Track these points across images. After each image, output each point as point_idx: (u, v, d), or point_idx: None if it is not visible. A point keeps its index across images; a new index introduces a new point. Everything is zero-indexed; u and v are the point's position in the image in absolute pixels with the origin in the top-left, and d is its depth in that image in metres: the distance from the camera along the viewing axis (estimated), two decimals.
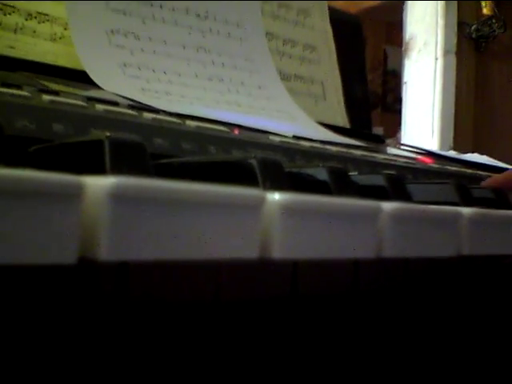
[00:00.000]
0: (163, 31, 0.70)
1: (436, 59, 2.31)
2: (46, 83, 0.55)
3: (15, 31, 0.65)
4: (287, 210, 0.21)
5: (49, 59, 0.66)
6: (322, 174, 0.33)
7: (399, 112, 2.42)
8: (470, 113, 2.44)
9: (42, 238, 0.14)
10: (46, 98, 0.43)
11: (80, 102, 0.45)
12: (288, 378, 0.36)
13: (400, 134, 2.35)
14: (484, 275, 0.44)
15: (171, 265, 0.17)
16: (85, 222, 0.15)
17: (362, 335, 0.39)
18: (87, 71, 0.61)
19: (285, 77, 0.84)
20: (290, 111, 0.76)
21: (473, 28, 2.40)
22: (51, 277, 0.21)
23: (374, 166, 0.58)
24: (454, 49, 2.34)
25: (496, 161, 0.99)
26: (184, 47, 0.71)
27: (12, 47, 0.64)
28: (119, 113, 0.46)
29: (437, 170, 0.68)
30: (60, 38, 0.68)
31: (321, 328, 0.35)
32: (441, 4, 2.31)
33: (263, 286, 0.30)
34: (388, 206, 0.25)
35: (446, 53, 2.31)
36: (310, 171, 0.35)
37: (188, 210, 0.18)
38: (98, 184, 0.16)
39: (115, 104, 0.50)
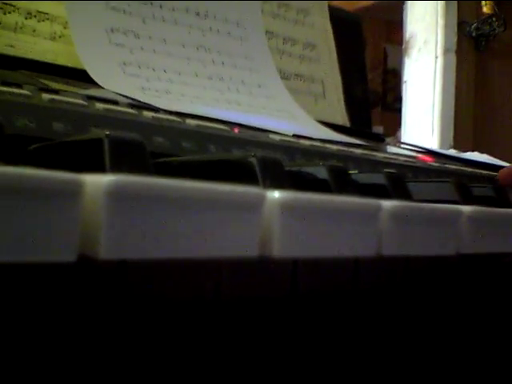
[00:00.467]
0: (163, 30, 0.70)
1: (436, 58, 2.31)
2: (45, 82, 0.55)
3: (15, 30, 0.65)
4: (287, 208, 0.21)
5: (49, 58, 0.66)
6: (322, 172, 0.33)
7: (399, 111, 2.42)
8: (469, 111, 2.44)
9: (41, 236, 0.14)
10: (46, 96, 0.43)
11: (80, 101, 0.45)
12: (288, 376, 0.36)
13: (400, 132, 2.35)
14: (484, 274, 0.44)
15: (171, 262, 0.17)
16: (84, 220, 0.15)
17: (361, 333, 0.39)
18: (87, 70, 0.61)
19: (285, 75, 0.84)
20: (290, 110, 0.76)
21: (473, 27, 2.40)
22: (51, 274, 0.21)
23: (374, 165, 0.58)
24: (454, 47, 2.33)
25: (496, 159, 0.99)
26: (184, 46, 0.71)
27: (12, 46, 0.64)
28: (119, 111, 0.46)
29: (437, 169, 0.68)
30: (60, 37, 0.68)
31: (320, 326, 0.35)
32: (441, 3, 2.31)
33: (263, 284, 0.30)
34: (388, 204, 0.25)
35: (446, 51, 2.31)
36: (310, 170, 0.35)
37: (188, 208, 0.18)
38: (97, 182, 0.16)
39: (115, 103, 0.50)
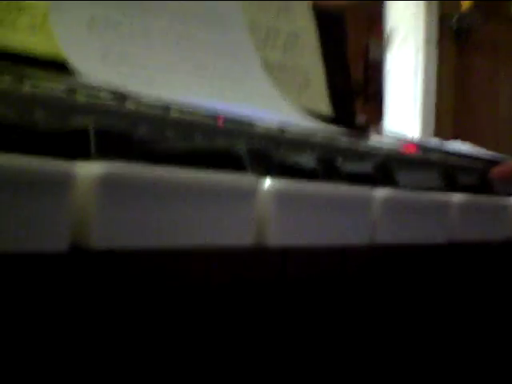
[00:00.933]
0: (145, 19, 0.69)
1: (417, 50, 2.32)
2: (26, 73, 0.54)
3: None
4: (281, 196, 0.20)
5: (29, 49, 0.65)
6: (309, 161, 0.33)
7: (381, 101, 2.43)
8: (450, 102, 2.46)
9: (33, 226, 0.14)
10: (28, 86, 0.42)
11: (61, 91, 0.44)
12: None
13: (383, 122, 2.36)
14: (473, 259, 0.45)
15: (162, 250, 0.17)
16: (75, 210, 0.15)
17: (348, 319, 0.39)
18: (68, 60, 0.60)
19: (268, 66, 0.83)
20: (274, 100, 0.75)
21: (454, 20, 2.41)
22: (42, 264, 0.21)
23: (360, 155, 0.57)
24: (435, 40, 2.35)
25: (477, 148, 1.00)
26: (166, 35, 0.70)
27: None
28: (101, 101, 0.45)
29: (421, 158, 0.68)
30: (40, 29, 0.67)
31: (307, 310, 0.35)
32: None
33: (253, 269, 0.29)
34: (381, 192, 0.25)
35: (427, 44, 2.32)
36: (297, 159, 0.35)
37: (181, 196, 0.17)
38: (88, 170, 0.15)
39: (97, 92, 0.50)
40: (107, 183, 0.15)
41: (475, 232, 0.31)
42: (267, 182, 0.21)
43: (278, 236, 0.20)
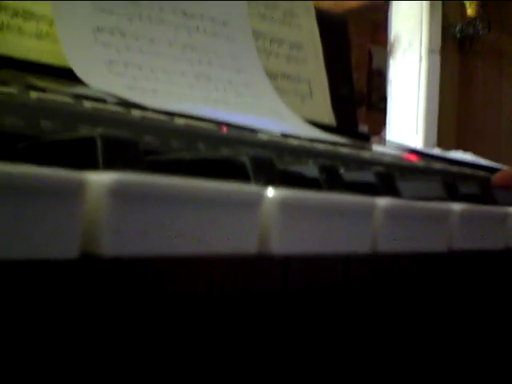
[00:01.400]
0: (150, 29, 0.70)
1: (420, 59, 2.33)
2: (32, 80, 0.55)
3: (1, 29, 0.64)
4: (285, 206, 0.21)
5: (35, 57, 0.65)
6: (312, 171, 0.33)
7: (384, 110, 2.44)
8: (453, 111, 2.46)
9: (44, 234, 0.14)
10: (34, 95, 0.42)
11: (68, 99, 0.44)
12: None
13: (385, 131, 2.36)
14: (473, 268, 0.45)
15: (168, 259, 0.18)
16: (86, 218, 0.15)
17: (351, 329, 0.39)
18: (73, 69, 0.60)
19: (272, 75, 0.84)
20: (277, 109, 0.76)
21: (457, 28, 2.42)
22: (54, 271, 0.21)
23: (362, 164, 0.58)
24: (438, 49, 2.35)
25: (479, 158, 1.01)
26: (171, 45, 0.71)
27: None
28: (107, 110, 0.46)
29: (423, 168, 0.69)
30: (46, 36, 0.68)
31: (312, 321, 0.35)
32: (425, 4, 2.33)
33: (256, 279, 0.30)
34: (382, 201, 0.25)
35: (430, 53, 2.33)
36: (299, 168, 0.35)
37: (188, 205, 0.18)
38: (100, 180, 0.16)
39: (103, 101, 0.50)
40: (117, 192, 0.16)
41: (475, 241, 0.32)
42: (270, 192, 0.21)
43: (281, 245, 0.21)
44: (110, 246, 0.16)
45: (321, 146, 0.60)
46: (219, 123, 0.55)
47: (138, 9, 0.70)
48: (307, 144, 0.59)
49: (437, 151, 1.04)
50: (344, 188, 0.33)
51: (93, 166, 0.24)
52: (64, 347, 0.24)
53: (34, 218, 0.14)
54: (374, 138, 1.08)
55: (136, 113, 0.48)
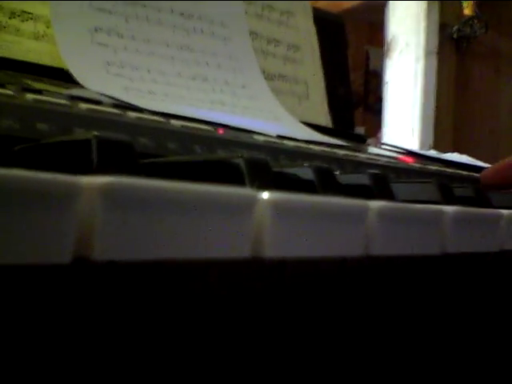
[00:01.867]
0: (147, 30, 0.70)
1: (417, 60, 2.33)
2: (29, 82, 0.55)
3: None
4: (279, 209, 0.21)
5: (32, 58, 0.65)
6: (307, 173, 0.34)
7: (380, 112, 2.44)
8: (450, 113, 2.46)
9: (36, 238, 0.14)
10: (30, 96, 0.42)
11: (64, 101, 0.44)
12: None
13: (381, 133, 2.36)
14: (467, 271, 0.45)
15: (162, 262, 0.18)
16: (79, 222, 0.16)
17: (345, 330, 0.39)
18: (70, 70, 0.60)
19: (269, 76, 0.84)
20: (274, 110, 0.76)
21: (454, 29, 2.42)
22: (45, 276, 0.21)
23: (357, 166, 0.58)
24: (435, 50, 2.36)
25: (475, 160, 1.01)
26: (168, 46, 0.71)
27: None
28: (103, 112, 0.46)
29: (418, 170, 0.69)
30: (43, 37, 0.68)
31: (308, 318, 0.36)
32: (422, 5, 2.33)
33: (251, 280, 0.30)
34: (376, 204, 0.26)
35: (427, 54, 2.33)
36: (295, 171, 0.36)
37: (182, 209, 0.18)
38: (93, 183, 0.16)
39: (99, 103, 0.50)
40: (110, 196, 0.16)
41: (469, 243, 0.32)
42: (265, 195, 0.21)
43: (274, 248, 0.21)
44: (102, 251, 0.16)
45: (317, 148, 0.60)
46: (215, 125, 0.55)
47: (135, 9, 0.70)
48: (303, 146, 0.59)
49: (433, 153, 1.04)
50: (339, 190, 0.33)
51: (88, 168, 0.24)
52: (57, 352, 0.24)
53: (25, 223, 0.14)
54: (370, 140, 1.08)
55: (132, 114, 0.48)
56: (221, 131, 0.54)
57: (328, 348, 0.38)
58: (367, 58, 3.70)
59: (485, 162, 0.98)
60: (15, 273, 0.20)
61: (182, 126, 0.49)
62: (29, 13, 0.67)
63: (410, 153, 0.93)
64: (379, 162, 0.64)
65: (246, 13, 0.83)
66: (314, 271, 0.33)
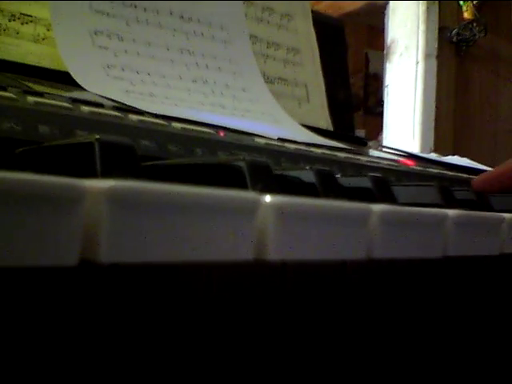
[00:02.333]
0: (147, 33, 0.70)
1: (417, 63, 2.33)
2: (29, 84, 0.55)
3: None
4: (281, 212, 0.21)
5: (31, 60, 0.65)
6: (309, 176, 0.34)
7: (381, 115, 2.44)
8: (450, 116, 2.47)
9: (43, 241, 0.14)
10: (31, 99, 0.42)
11: (65, 104, 0.44)
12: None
13: (382, 136, 2.36)
14: (468, 274, 0.45)
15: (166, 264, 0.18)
16: (85, 225, 0.16)
17: (347, 333, 0.39)
18: (70, 72, 0.60)
19: (269, 79, 0.84)
20: (274, 113, 0.76)
21: (454, 32, 2.43)
22: (52, 279, 0.21)
23: (358, 169, 0.58)
24: (434, 53, 2.36)
25: (476, 163, 1.01)
26: (168, 49, 0.71)
27: None
28: (104, 114, 0.46)
29: (419, 173, 0.69)
30: (43, 39, 0.68)
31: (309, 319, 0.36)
32: (422, 8, 2.34)
33: (253, 284, 0.30)
34: (378, 208, 0.26)
35: (427, 57, 2.34)
36: (296, 173, 0.36)
37: (186, 212, 0.18)
38: (99, 187, 0.16)
39: (100, 105, 0.50)
40: (115, 199, 0.16)
41: (470, 247, 0.32)
42: (267, 198, 0.21)
43: (277, 251, 0.21)
44: (108, 253, 0.16)
45: (317, 151, 0.60)
46: (216, 127, 0.55)
47: (135, 12, 0.70)
48: (304, 149, 0.59)
49: (434, 156, 1.04)
50: (340, 193, 0.33)
51: (91, 171, 0.24)
52: (62, 353, 0.24)
53: (31, 225, 0.14)
54: (370, 143, 1.08)
55: (133, 117, 0.48)
56: (222, 134, 0.54)
57: (331, 350, 0.38)
58: (367, 61, 3.71)
59: (485, 164, 0.98)
60: (22, 275, 0.20)
61: (183, 129, 0.49)
62: (29, 15, 0.67)
63: (410, 156, 0.93)
64: (380, 165, 0.64)
65: (246, 15, 0.83)
66: (317, 274, 0.33)
